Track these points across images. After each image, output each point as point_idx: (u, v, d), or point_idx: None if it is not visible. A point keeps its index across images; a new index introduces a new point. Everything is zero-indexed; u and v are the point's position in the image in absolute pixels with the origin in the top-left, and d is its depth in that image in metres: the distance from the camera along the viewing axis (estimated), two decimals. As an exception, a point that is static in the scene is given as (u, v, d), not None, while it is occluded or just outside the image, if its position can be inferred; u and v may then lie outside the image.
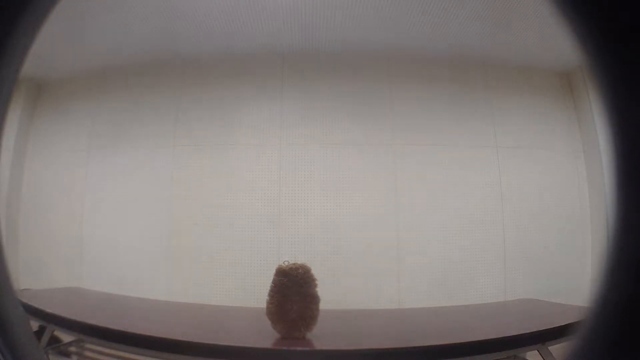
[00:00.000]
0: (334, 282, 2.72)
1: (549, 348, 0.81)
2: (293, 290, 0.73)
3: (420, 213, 2.94)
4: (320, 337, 0.74)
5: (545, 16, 2.42)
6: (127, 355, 1.03)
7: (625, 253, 0.21)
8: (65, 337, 1.26)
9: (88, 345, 1.31)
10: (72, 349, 1.29)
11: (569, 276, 2.85)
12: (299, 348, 0.69)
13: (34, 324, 1.05)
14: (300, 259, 1.19)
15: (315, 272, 0.84)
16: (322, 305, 0.77)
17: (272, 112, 3.09)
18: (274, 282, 0.74)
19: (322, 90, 3.08)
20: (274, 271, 0.76)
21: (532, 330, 0.80)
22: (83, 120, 3.31)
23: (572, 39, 0.22)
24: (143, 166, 3.13)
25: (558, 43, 2.63)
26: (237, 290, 2.77)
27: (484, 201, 2.99)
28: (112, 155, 3.21)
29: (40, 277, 2.93)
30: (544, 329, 0.80)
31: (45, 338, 1.03)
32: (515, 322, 1.03)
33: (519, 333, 0.78)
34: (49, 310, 0.98)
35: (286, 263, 0.76)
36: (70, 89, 3.39)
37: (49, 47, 2.70)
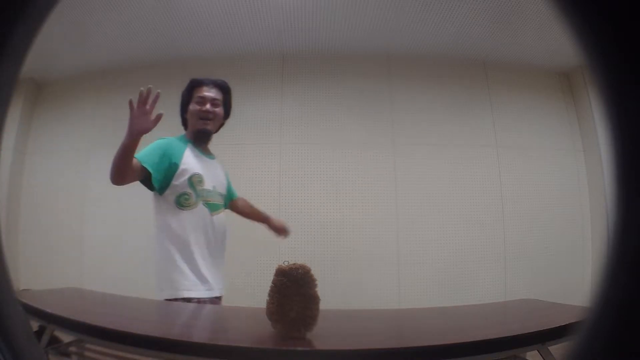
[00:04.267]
0: (334, 282, 2.72)
1: (549, 348, 0.81)
2: (293, 290, 0.73)
3: (420, 213, 2.95)
4: (320, 337, 0.74)
5: (545, 16, 2.43)
6: (127, 355, 1.03)
7: (625, 253, 0.21)
8: (65, 337, 1.26)
9: (88, 345, 1.31)
10: (72, 349, 1.29)
11: (569, 276, 2.85)
12: (299, 348, 0.69)
13: (34, 324, 1.05)
14: (300, 259, 1.19)
15: (315, 272, 0.85)
16: (322, 305, 0.77)
17: (273, 112, 3.10)
18: (274, 282, 0.74)
19: (322, 89, 3.09)
20: (274, 271, 0.76)
21: (532, 330, 0.80)
22: (83, 120, 3.32)
23: (572, 39, 0.22)
24: (143, 166, 3.13)
25: (558, 43, 2.64)
26: (237, 290, 2.77)
27: (484, 201, 2.99)
28: (111, 155, 3.21)
29: (40, 277, 2.94)
30: (544, 329, 0.80)
31: (45, 338, 1.03)
32: (515, 322, 1.03)
33: (519, 333, 0.78)
34: (49, 310, 0.97)
35: (286, 263, 0.76)
36: (70, 89, 3.39)
37: (49, 47, 2.70)
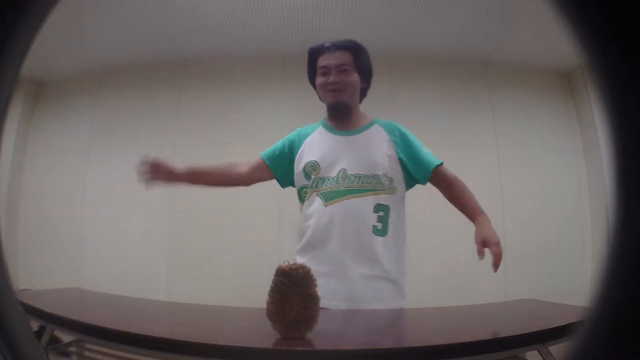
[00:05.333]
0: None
1: (549, 348, 0.81)
2: (293, 291, 0.73)
3: (420, 213, 2.94)
4: (320, 337, 0.74)
5: (545, 16, 2.43)
6: (127, 355, 1.03)
7: (625, 253, 0.21)
8: (65, 337, 1.26)
9: (88, 345, 1.31)
10: (72, 349, 1.29)
11: (569, 276, 2.85)
12: (299, 348, 0.69)
13: (34, 324, 1.05)
14: (299, 260, 1.19)
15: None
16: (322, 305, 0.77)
17: (273, 112, 3.10)
18: (274, 282, 0.74)
19: (322, 90, 3.08)
20: (274, 271, 0.76)
21: (532, 330, 0.80)
22: (83, 120, 3.32)
23: (572, 39, 0.22)
24: (143, 166, 3.13)
25: (558, 43, 2.64)
26: (237, 290, 2.77)
27: (484, 201, 2.98)
28: (112, 155, 3.21)
29: (40, 277, 2.94)
30: (544, 329, 0.80)
31: (45, 338, 1.03)
32: (515, 322, 1.03)
33: (519, 333, 0.78)
34: (49, 310, 0.97)
35: (286, 263, 0.75)
36: (70, 89, 3.39)
37: (49, 47, 2.70)
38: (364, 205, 1.13)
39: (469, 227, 1.29)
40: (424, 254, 2.87)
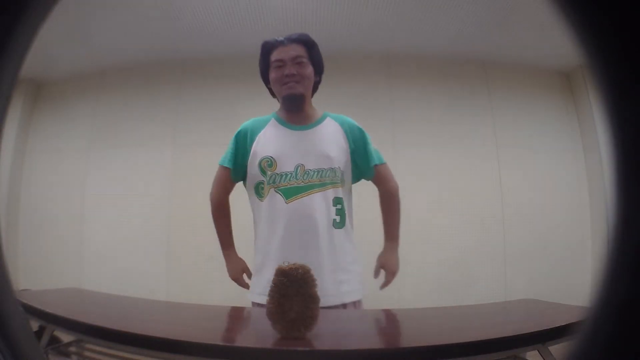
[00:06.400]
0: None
1: (549, 348, 0.81)
2: (293, 290, 0.73)
3: (420, 213, 2.94)
4: (320, 337, 0.74)
5: (545, 16, 2.43)
6: (127, 355, 1.03)
7: (625, 253, 0.21)
8: (65, 337, 1.26)
9: (88, 345, 1.31)
10: (72, 349, 1.29)
11: (569, 276, 2.85)
12: (299, 348, 0.69)
13: (34, 324, 1.05)
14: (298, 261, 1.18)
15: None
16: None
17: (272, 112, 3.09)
18: (274, 282, 0.74)
19: (321, 89, 3.08)
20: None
21: (532, 330, 0.80)
22: (83, 120, 3.32)
23: (572, 39, 0.22)
24: (143, 166, 3.14)
25: (558, 43, 2.64)
26: (236, 290, 2.77)
27: (484, 201, 2.99)
28: (111, 155, 3.21)
29: (40, 277, 2.93)
30: (544, 329, 0.80)
31: (45, 338, 1.03)
32: (515, 322, 1.03)
33: (519, 333, 0.78)
34: (49, 310, 0.97)
35: (286, 263, 0.76)
36: (70, 89, 3.39)
37: (49, 47, 2.70)
38: (325, 199, 1.17)
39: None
40: (424, 253, 2.87)
